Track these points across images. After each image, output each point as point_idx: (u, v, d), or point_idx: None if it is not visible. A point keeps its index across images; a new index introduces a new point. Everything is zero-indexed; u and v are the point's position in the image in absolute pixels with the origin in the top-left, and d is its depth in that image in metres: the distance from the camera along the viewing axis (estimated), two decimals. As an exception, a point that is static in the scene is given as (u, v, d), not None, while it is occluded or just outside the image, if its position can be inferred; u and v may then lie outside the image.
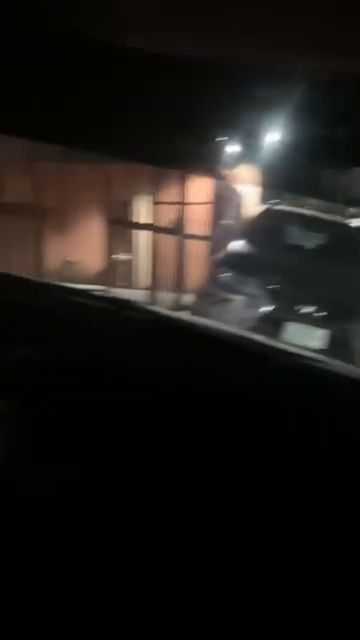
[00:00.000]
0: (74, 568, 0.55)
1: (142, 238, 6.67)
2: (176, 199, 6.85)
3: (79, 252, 7.55)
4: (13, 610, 0.53)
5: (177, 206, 6.85)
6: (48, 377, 0.74)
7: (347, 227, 5.35)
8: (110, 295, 1.27)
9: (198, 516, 0.59)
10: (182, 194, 6.85)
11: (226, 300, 4.01)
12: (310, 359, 0.88)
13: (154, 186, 6.38)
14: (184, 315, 1.26)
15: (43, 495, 0.60)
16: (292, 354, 0.89)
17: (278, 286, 3.91)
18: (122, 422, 0.66)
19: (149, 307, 1.03)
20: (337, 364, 0.90)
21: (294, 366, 0.81)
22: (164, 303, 6.68)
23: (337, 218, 5.65)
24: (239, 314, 3.91)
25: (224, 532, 0.58)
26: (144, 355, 0.77)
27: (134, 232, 6.69)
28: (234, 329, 1.05)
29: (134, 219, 6.66)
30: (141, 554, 0.57)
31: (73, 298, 0.99)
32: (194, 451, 0.63)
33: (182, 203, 6.86)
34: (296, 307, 3.86)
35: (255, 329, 3.52)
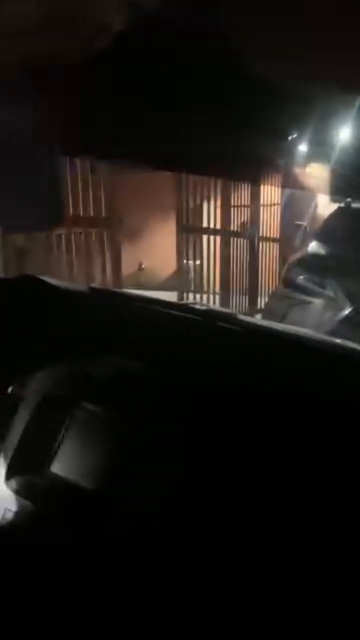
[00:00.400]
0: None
1: (215, 242, 6.66)
2: (248, 202, 6.72)
3: (152, 258, 7.69)
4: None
5: (249, 208, 6.73)
6: (149, 389, 0.78)
7: None
8: (206, 308, 1.14)
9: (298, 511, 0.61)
10: (255, 196, 6.72)
11: (305, 303, 3.92)
12: None
13: (226, 190, 6.31)
14: (278, 325, 1.23)
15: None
16: None
17: (358, 287, 3.76)
18: (225, 430, 0.69)
19: (244, 319, 1.04)
20: None
21: None
22: (237, 307, 6.65)
23: None
24: (318, 317, 3.81)
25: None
26: (242, 365, 0.78)
27: (207, 236, 6.67)
28: (324, 336, 1.07)
29: (206, 224, 6.57)
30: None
31: (168, 311, 1.02)
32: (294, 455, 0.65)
33: (255, 205, 6.75)
34: None
35: (335, 333, 3.43)
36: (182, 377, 0.78)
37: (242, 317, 1.10)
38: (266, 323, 1.11)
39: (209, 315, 1.03)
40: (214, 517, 0.64)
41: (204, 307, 1.13)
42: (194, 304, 1.16)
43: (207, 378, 0.77)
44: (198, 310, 1.07)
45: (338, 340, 1.01)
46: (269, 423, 0.68)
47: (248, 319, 1.13)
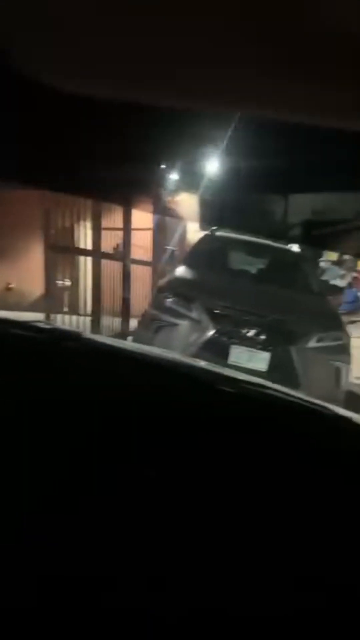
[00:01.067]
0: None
1: (86, 264, 6.56)
2: (120, 225, 6.74)
3: (21, 278, 7.46)
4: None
5: (121, 232, 6.75)
6: None
7: (288, 252, 5.46)
8: (52, 326, 1.16)
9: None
10: (126, 220, 6.90)
11: (171, 325, 4.02)
12: (256, 385, 0.90)
13: (97, 212, 6.23)
14: (130, 345, 1.28)
15: None
16: (238, 381, 0.92)
17: (221, 310, 3.94)
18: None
19: (92, 338, 1.05)
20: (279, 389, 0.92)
21: (241, 392, 0.84)
22: (108, 329, 6.60)
23: (278, 243, 5.69)
24: (184, 339, 3.95)
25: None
26: (90, 385, 0.78)
27: (78, 258, 6.62)
28: (181, 357, 1.07)
29: (78, 245, 6.53)
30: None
31: (11, 330, 0.99)
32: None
33: (126, 229, 6.91)
34: (240, 331, 3.91)
35: (200, 353, 3.64)
36: (17, 392, 0.79)
37: (88, 335, 1.12)
38: (114, 342, 1.11)
39: (53, 333, 1.02)
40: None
41: (49, 326, 1.12)
42: (39, 322, 1.13)
43: (45, 393, 0.78)
44: (43, 328, 1.07)
45: (189, 360, 1.08)
46: (107, 435, 0.71)
47: (96, 337, 1.15)
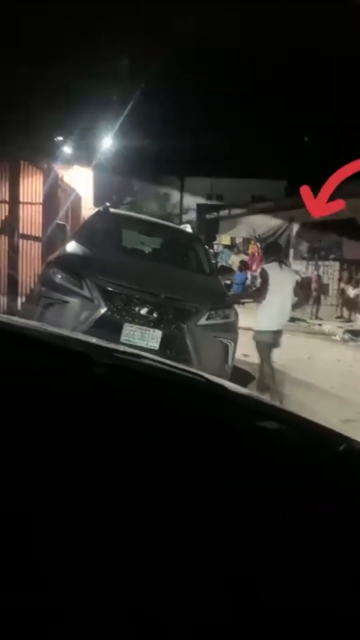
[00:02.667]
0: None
1: None
2: (8, 197, 6.52)
3: None
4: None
5: (9, 205, 6.52)
6: None
7: (182, 233, 5.84)
8: None
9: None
10: (16, 192, 6.58)
11: (61, 303, 3.90)
12: (134, 355, 0.93)
13: None
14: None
15: None
16: (112, 351, 0.92)
17: (114, 288, 3.92)
18: None
19: None
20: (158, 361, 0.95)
21: (118, 363, 0.85)
22: None
23: (171, 223, 6.82)
24: (75, 317, 3.85)
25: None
26: None
27: None
28: (60, 330, 1.07)
29: None
30: None
31: None
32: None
33: (15, 202, 6.57)
34: (132, 309, 3.92)
35: (92, 332, 3.62)
36: None
37: None
38: None
39: None
40: None
41: None
42: None
43: None
44: None
45: (77, 336, 1.08)
46: None
47: None
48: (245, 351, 6.03)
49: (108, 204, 5.70)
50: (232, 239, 18.74)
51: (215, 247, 18.19)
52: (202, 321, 4.05)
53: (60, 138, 8.02)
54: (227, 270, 6.55)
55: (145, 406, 0.70)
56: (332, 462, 0.74)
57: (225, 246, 18.36)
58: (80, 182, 9.64)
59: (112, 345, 1.03)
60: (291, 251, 15.60)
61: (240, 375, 5.15)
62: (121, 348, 1.03)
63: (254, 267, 15.26)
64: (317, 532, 0.54)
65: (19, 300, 6.67)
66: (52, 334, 0.97)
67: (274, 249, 5.25)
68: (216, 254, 16.89)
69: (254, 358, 6.20)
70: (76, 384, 0.72)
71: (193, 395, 0.80)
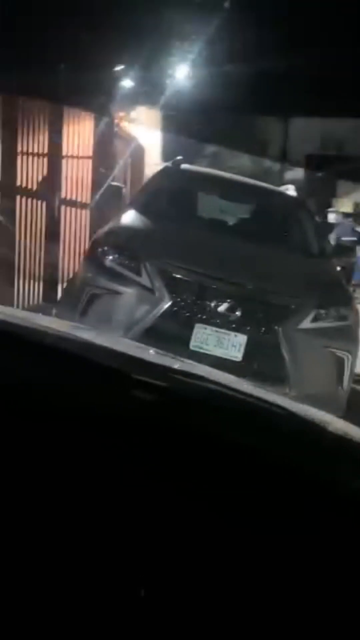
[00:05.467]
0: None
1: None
2: (48, 150, 6.39)
3: None
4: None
5: (49, 159, 6.42)
6: None
7: (282, 196, 5.37)
8: None
9: None
10: (58, 142, 6.50)
11: (111, 294, 3.84)
12: (194, 377, 0.94)
13: (17, 130, 5.77)
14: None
15: None
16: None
17: (182, 275, 3.80)
18: None
19: None
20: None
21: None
22: (25, 296, 6.22)
23: (267, 184, 6.09)
24: (129, 313, 3.76)
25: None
26: None
27: None
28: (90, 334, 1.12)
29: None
30: None
31: None
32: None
33: (56, 155, 6.50)
34: (206, 303, 3.76)
35: (152, 333, 3.59)
36: None
37: None
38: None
39: None
40: None
41: None
42: None
43: None
44: None
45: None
46: None
47: None
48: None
49: (180, 157, 5.36)
50: (356, 206, 18.13)
51: (331, 216, 18.56)
52: (306, 324, 3.83)
53: (119, 68, 7.87)
54: (346, 250, 6.20)
55: (189, 452, 0.71)
56: None
57: (347, 215, 18.24)
58: (145, 129, 9.61)
59: (168, 360, 1.04)
60: None
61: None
62: (177, 365, 1.02)
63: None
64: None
65: (59, 288, 6.63)
66: (77, 342, 0.99)
67: None
68: (333, 226, 16.61)
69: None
70: (99, 411, 0.75)
71: (265, 438, 0.79)
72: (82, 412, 0.73)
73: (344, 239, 10.85)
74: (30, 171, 6.03)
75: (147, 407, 0.77)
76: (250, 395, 0.91)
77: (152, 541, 0.62)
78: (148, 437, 0.70)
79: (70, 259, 6.82)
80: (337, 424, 0.93)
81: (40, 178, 6.29)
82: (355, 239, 11.71)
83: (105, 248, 4.01)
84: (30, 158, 6.06)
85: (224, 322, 3.73)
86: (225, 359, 3.61)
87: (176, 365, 1.01)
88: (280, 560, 0.63)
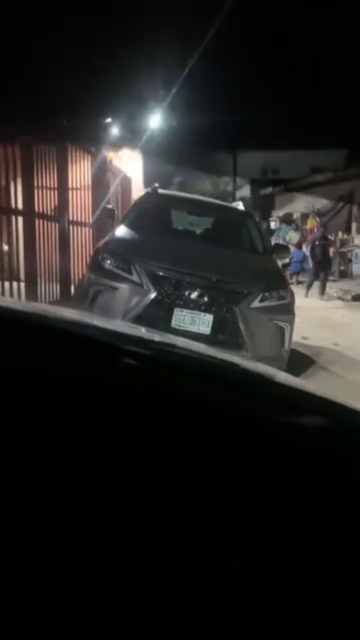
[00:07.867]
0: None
1: (18, 225, 5.50)
2: (57, 184, 6.49)
3: None
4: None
5: (58, 191, 6.49)
6: None
7: (234, 211, 5.51)
8: None
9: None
10: (65, 178, 6.57)
11: (111, 289, 3.90)
12: (168, 345, 0.93)
13: (34, 169, 5.85)
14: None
15: None
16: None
17: (163, 272, 3.88)
18: None
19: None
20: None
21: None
22: (46, 294, 6.22)
23: (223, 201, 6.42)
24: (125, 303, 3.83)
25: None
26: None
27: (14, 219, 5.47)
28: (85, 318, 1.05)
29: (13, 205, 5.51)
30: None
31: None
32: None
33: (64, 188, 6.57)
34: (182, 293, 3.86)
35: (142, 318, 3.69)
36: None
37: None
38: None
39: None
40: None
41: None
42: None
43: None
44: None
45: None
46: None
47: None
48: (304, 333, 5.90)
49: (156, 184, 5.42)
50: (289, 214, 17.78)
51: (273, 223, 17.51)
52: (256, 303, 3.92)
53: (108, 120, 7.93)
54: (283, 248, 6.30)
55: (158, 400, 0.67)
56: None
57: (282, 221, 17.97)
58: (130, 164, 9.55)
59: (155, 335, 1.00)
60: (354, 225, 15.11)
61: (300, 359, 5.02)
62: (157, 338, 0.99)
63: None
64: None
65: (72, 288, 6.76)
66: (73, 322, 0.94)
67: None
68: (273, 231, 16.12)
69: (314, 340, 6.06)
70: (91, 376, 0.70)
71: (216, 388, 0.75)
72: (84, 378, 0.69)
73: (281, 240, 11.11)
74: (45, 200, 6.14)
75: (137, 371, 0.74)
76: (216, 358, 0.92)
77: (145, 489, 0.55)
78: (136, 395, 0.67)
79: (79, 265, 6.94)
80: (281, 376, 0.93)
81: (53, 205, 6.39)
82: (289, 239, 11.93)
83: (105, 255, 4.08)
84: (44, 190, 6.17)
85: (196, 306, 3.86)
86: (198, 333, 3.75)
87: (161, 339, 1.01)
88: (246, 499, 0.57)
